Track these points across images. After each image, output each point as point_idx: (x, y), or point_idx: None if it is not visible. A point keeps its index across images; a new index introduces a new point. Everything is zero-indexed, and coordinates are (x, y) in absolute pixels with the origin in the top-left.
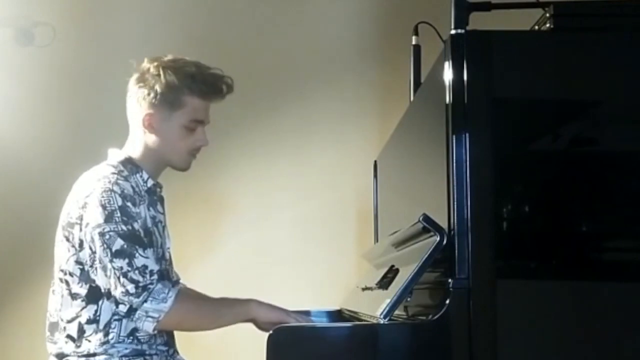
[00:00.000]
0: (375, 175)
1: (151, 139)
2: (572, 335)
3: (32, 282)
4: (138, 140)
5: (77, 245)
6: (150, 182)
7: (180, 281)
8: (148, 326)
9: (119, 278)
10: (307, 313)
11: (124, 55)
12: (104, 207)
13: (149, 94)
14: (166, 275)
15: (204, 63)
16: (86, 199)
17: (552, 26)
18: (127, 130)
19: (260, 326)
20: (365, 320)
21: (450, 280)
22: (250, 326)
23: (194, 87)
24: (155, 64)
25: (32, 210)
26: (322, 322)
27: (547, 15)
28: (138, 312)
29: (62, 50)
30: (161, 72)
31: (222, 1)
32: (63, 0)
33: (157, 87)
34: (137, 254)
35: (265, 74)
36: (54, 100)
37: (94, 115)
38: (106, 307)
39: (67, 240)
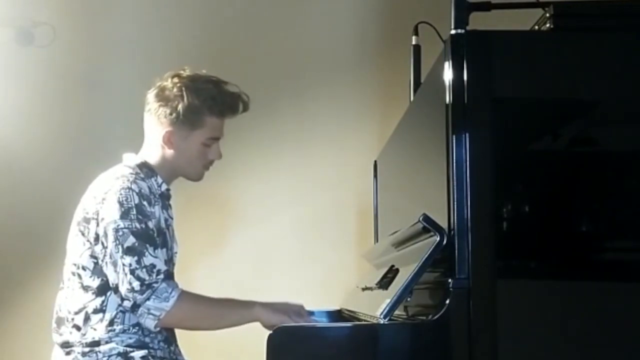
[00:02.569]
0: (375, 175)
1: (169, 153)
2: (572, 335)
3: (35, 280)
4: (155, 151)
5: (92, 240)
6: (164, 187)
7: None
8: (150, 323)
9: (126, 274)
10: (309, 313)
11: (123, 55)
12: (121, 204)
13: (170, 114)
14: (172, 276)
15: (216, 75)
16: (104, 195)
17: (552, 26)
18: (127, 130)
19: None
20: (365, 320)
21: (450, 280)
22: (251, 326)
23: (214, 108)
24: (178, 83)
25: (32, 209)
26: (322, 322)
27: (547, 15)
28: (141, 308)
29: (62, 50)
30: (184, 93)
31: (221, 1)
32: (63, 0)
33: (180, 108)
34: (146, 253)
35: (265, 74)
36: (54, 101)
37: (94, 115)
38: (113, 298)
39: (82, 234)
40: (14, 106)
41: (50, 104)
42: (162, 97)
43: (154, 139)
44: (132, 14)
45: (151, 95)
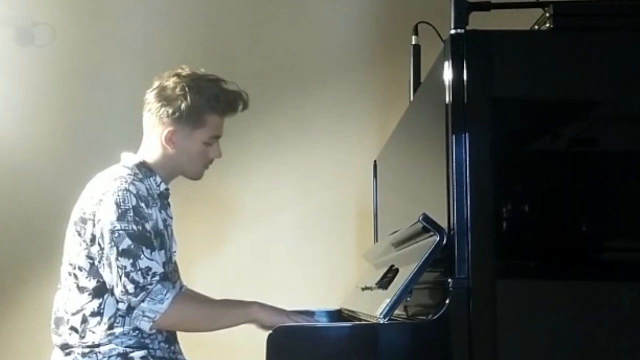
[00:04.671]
0: (375, 175)
1: (171, 152)
2: (572, 335)
3: (34, 280)
4: (155, 150)
5: (88, 241)
6: (163, 186)
7: (185, 286)
8: (145, 326)
9: (121, 277)
10: (310, 314)
11: (124, 55)
12: (118, 205)
13: (174, 113)
14: (172, 277)
15: (216, 74)
16: (102, 197)
17: (552, 26)
18: (128, 130)
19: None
20: (365, 320)
21: (450, 280)
22: (251, 326)
23: (217, 108)
24: (179, 82)
25: (32, 209)
26: (322, 322)
27: (547, 15)
28: (135, 311)
29: (62, 50)
30: (187, 93)
31: (221, 1)
32: (63, 0)
33: (183, 108)
34: (142, 255)
35: (265, 74)
36: (54, 100)
37: (94, 115)
38: (111, 301)
39: (79, 235)
40: (14, 106)
41: (51, 104)
42: (164, 97)
43: (155, 139)
44: (132, 13)
45: (151, 96)
